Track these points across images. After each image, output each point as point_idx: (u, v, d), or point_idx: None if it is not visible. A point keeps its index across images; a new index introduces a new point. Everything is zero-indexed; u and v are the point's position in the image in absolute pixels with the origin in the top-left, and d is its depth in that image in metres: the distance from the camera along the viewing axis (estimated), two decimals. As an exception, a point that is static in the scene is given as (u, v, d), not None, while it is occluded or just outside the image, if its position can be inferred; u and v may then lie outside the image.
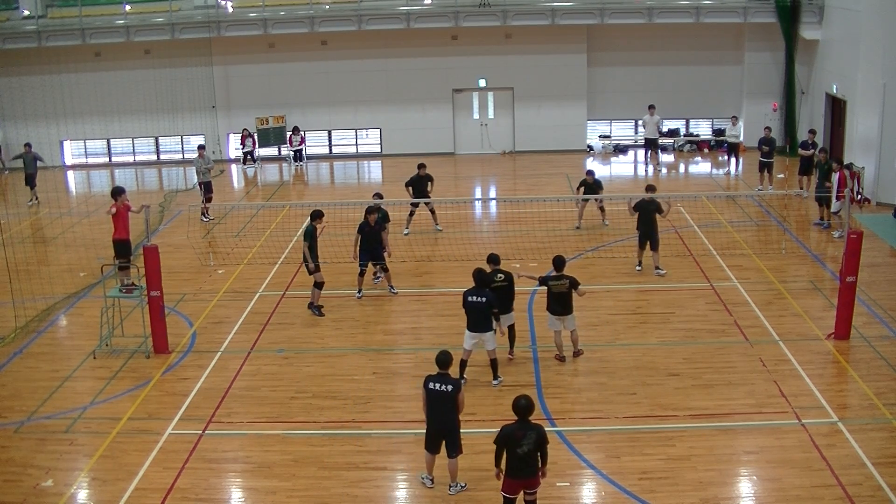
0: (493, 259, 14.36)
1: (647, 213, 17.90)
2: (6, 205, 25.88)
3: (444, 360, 10.76)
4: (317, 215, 16.71)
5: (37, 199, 26.38)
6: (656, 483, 10.99)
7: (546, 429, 12.18)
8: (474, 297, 13.34)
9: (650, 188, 18.29)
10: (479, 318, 13.34)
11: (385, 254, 17.56)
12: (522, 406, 9.64)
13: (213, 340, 15.81)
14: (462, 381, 13.66)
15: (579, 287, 14.18)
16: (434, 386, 10.69)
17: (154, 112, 29.75)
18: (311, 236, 16.53)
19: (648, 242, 18.07)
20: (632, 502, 10.68)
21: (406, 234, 21.21)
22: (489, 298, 13.31)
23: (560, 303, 14.13)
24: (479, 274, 13.48)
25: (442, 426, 10.75)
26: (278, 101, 30.39)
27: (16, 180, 29.36)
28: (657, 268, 18.09)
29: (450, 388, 10.62)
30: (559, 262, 14.21)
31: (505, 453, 9.68)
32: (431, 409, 10.75)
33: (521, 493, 9.88)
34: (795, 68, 28.42)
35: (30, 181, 26.37)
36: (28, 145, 26.80)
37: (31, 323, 16.59)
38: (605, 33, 29.58)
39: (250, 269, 19.37)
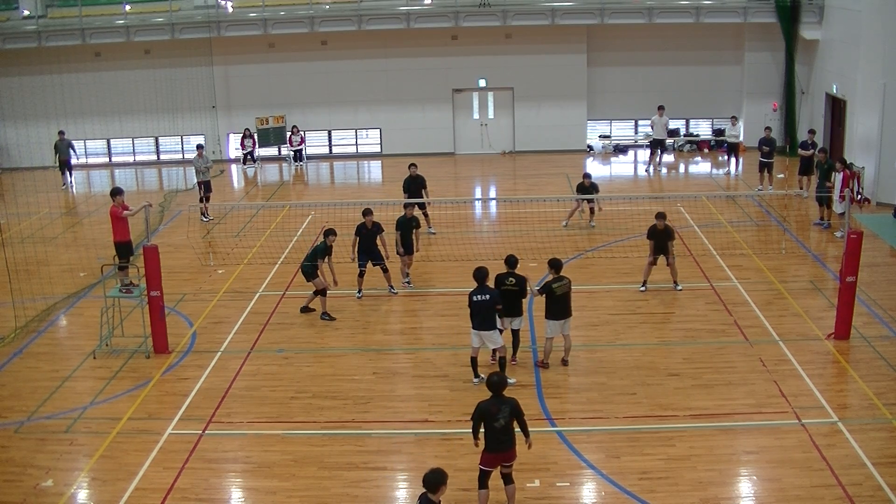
0: (509, 262, 14.14)
1: (660, 240, 16.96)
2: (6, 205, 25.88)
3: None
4: (330, 232, 16.70)
5: (68, 184, 28.26)
6: (656, 483, 10.99)
7: (546, 429, 12.32)
8: (478, 296, 13.36)
9: (661, 215, 16.95)
10: (484, 317, 13.33)
11: (385, 255, 17.54)
12: (495, 382, 10.22)
13: (213, 340, 15.81)
14: (476, 381, 13.67)
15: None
16: None
17: (154, 112, 29.76)
18: (324, 253, 16.63)
19: (663, 256, 17.07)
20: (632, 502, 10.68)
21: (432, 234, 21.28)
22: (493, 296, 13.34)
23: (563, 305, 13.97)
24: (478, 272, 13.48)
25: None
26: (278, 101, 30.39)
27: (15, 180, 29.39)
28: (675, 283, 17.29)
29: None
30: (558, 265, 14.12)
31: (483, 428, 10.14)
32: None
33: (499, 467, 10.30)
34: (795, 68, 28.42)
35: (63, 167, 28.13)
36: (62, 133, 28.27)
37: (31, 323, 16.59)
38: (605, 33, 29.57)
39: (250, 269, 19.37)
